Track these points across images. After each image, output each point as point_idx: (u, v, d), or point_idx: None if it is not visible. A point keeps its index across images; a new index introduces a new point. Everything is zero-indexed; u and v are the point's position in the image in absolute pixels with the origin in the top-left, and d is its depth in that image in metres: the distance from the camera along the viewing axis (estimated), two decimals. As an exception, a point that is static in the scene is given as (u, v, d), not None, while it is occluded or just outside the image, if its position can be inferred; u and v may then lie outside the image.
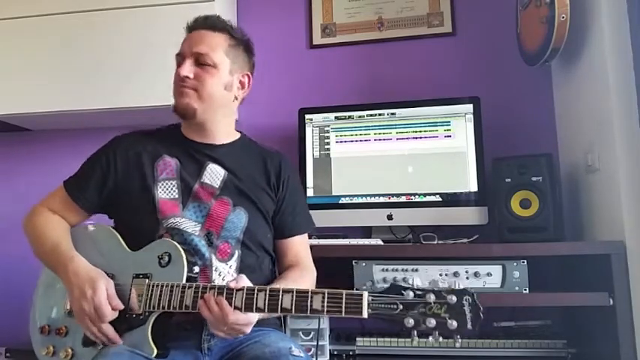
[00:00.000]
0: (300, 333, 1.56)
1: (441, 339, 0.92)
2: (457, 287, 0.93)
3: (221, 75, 1.27)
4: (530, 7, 1.74)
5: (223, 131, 1.33)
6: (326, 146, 1.89)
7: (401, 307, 0.94)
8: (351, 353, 1.64)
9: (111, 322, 1.09)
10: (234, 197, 1.25)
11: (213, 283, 1.14)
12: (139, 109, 1.90)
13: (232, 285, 1.05)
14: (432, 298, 0.93)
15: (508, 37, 1.97)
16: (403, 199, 1.81)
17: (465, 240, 1.69)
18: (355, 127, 1.88)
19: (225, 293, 1.04)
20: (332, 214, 1.82)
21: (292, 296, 1.01)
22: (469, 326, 0.90)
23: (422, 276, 1.55)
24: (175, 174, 1.25)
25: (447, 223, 1.78)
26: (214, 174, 1.27)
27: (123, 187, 1.25)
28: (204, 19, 1.31)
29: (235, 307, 1.03)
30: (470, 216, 1.76)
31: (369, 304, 0.95)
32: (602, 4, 1.56)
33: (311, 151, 1.89)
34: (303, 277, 1.25)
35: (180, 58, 1.28)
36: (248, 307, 1.03)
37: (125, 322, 1.10)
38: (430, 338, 0.92)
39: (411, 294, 0.94)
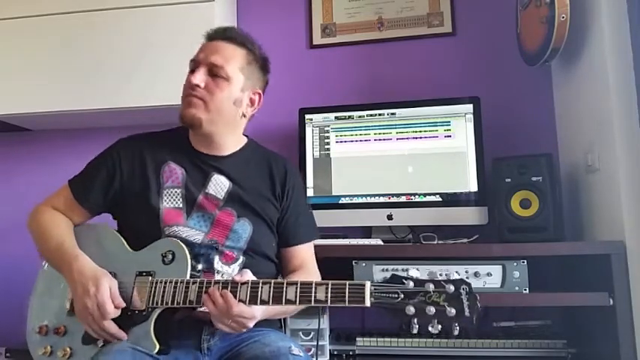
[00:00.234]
0: (300, 333, 1.56)
1: (440, 327, 0.96)
2: (454, 277, 0.98)
3: (232, 90, 1.25)
4: (530, 7, 1.74)
5: (230, 143, 1.32)
6: (326, 146, 1.89)
7: (402, 296, 0.98)
8: (351, 353, 1.64)
9: (114, 320, 1.09)
10: (238, 208, 1.25)
11: (217, 278, 1.14)
12: (139, 109, 1.90)
13: (237, 278, 1.06)
14: (431, 287, 0.98)
15: (508, 37, 1.97)
16: (403, 199, 1.81)
17: (465, 240, 1.69)
18: (355, 127, 1.88)
19: (229, 287, 1.05)
20: (332, 214, 1.82)
21: (296, 288, 1.03)
22: (467, 313, 0.95)
23: (422, 276, 1.55)
24: (181, 182, 1.25)
25: (447, 223, 1.78)
26: (219, 185, 1.27)
27: (128, 190, 1.26)
28: (224, 31, 1.29)
29: (240, 300, 1.03)
30: (470, 216, 1.76)
31: (371, 293, 0.98)
32: (602, 4, 1.56)
33: (311, 151, 1.89)
34: (307, 278, 1.25)
35: (194, 65, 1.26)
36: (252, 300, 1.03)
37: (128, 318, 1.11)
38: (430, 327, 0.96)
39: (411, 283, 0.98)
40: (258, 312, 1.07)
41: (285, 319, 1.49)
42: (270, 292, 1.03)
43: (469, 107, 1.80)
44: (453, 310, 0.95)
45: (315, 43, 2.15)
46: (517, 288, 1.50)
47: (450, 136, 1.81)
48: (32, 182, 2.21)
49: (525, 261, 1.52)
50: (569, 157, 1.84)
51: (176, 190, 1.25)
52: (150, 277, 1.12)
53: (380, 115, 1.87)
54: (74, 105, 1.94)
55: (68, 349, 1.15)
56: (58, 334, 1.18)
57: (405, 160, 1.83)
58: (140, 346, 1.08)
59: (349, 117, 1.89)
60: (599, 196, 1.61)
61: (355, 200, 1.84)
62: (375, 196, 1.83)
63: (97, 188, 1.27)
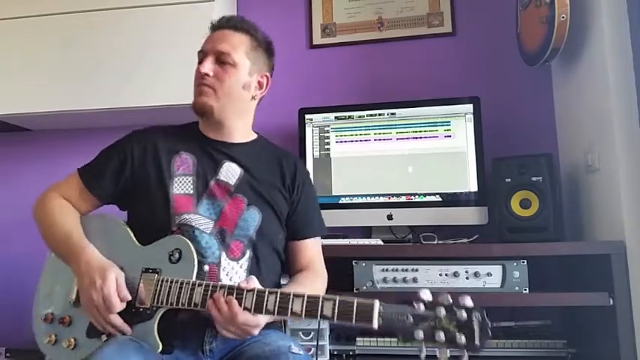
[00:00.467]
0: (300, 333, 1.56)
1: (448, 353, 0.92)
2: (467, 303, 0.93)
3: (240, 75, 1.28)
4: (530, 7, 1.74)
5: (241, 130, 1.34)
6: (326, 146, 1.89)
7: (411, 319, 0.94)
8: (351, 353, 1.64)
9: (119, 314, 1.09)
10: (248, 196, 1.26)
11: (222, 283, 1.13)
12: (139, 109, 1.90)
13: (243, 285, 1.05)
14: (442, 312, 0.93)
15: (508, 37, 1.97)
16: (403, 199, 1.81)
17: (465, 240, 1.69)
18: (355, 127, 1.88)
19: (235, 293, 1.04)
20: (332, 214, 1.81)
21: (303, 301, 1.00)
22: (477, 342, 0.90)
23: (422, 276, 1.55)
24: (192, 170, 1.26)
25: (447, 223, 1.78)
26: (230, 172, 1.28)
27: (139, 178, 1.25)
28: (227, 20, 1.33)
29: (245, 308, 1.03)
30: (470, 216, 1.76)
31: (379, 314, 0.95)
32: (602, 4, 1.56)
33: (311, 151, 1.89)
34: (314, 282, 1.25)
35: (202, 56, 1.29)
36: (258, 309, 1.02)
37: (132, 315, 1.10)
38: (438, 353, 0.92)
39: (422, 307, 0.94)
40: (263, 320, 1.06)
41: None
42: (275, 302, 1.02)
43: (469, 107, 1.80)
44: (463, 338, 0.91)
45: (315, 43, 2.15)
46: (517, 288, 1.51)
47: (450, 136, 1.81)
48: (32, 182, 2.21)
49: (525, 261, 1.52)
50: (569, 157, 1.84)
51: (187, 177, 1.25)
52: (156, 275, 1.12)
53: (380, 115, 1.87)
54: (74, 105, 1.94)
55: (72, 340, 1.15)
56: (63, 324, 1.17)
57: (405, 160, 1.83)
58: (144, 343, 1.08)
59: (349, 117, 1.89)
60: (599, 196, 1.61)
61: (355, 200, 1.84)
62: (375, 196, 1.83)
63: (108, 176, 1.26)
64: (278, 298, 1.02)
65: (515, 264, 1.52)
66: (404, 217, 1.80)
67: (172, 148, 1.29)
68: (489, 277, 1.53)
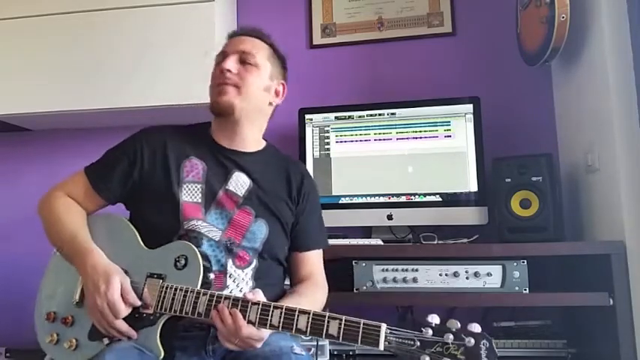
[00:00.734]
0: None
1: None
2: (475, 330, 0.93)
3: (262, 76, 1.28)
4: (530, 7, 1.74)
5: (252, 138, 1.32)
6: (326, 146, 1.89)
7: (418, 343, 0.93)
8: (351, 353, 1.64)
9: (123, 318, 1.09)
10: (256, 208, 1.24)
11: (228, 293, 1.11)
12: (139, 109, 1.90)
13: (249, 297, 1.04)
14: (450, 338, 0.92)
15: (508, 37, 1.97)
16: (403, 199, 1.81)
17: (465, 240, 1.69)
18: (355, 127, 1.88)
19: (240, 305, 1.03)
20: (332, 214, 1.81)
21: (308, 318, 1.00)
22: None
23: (422, 276, 1.55)
24: (201, 178, 1.24)
25: (447, 223, 1.78)
26: (240, 183, 1.26)
27: (147, 181, 1.23)
28: (249, 29, 1.33)
29: (249, 321, 1.02)
30: (470, 216, 1.76)
31: (385, 337, 0.94)
32: (602, 4, 1.56)
33: (311, 151, 1.89)
34: (314, 293, 1.25)
35: (222, 57, 1.27)
36: (262, 323, 1.01)
37: (135, 320, 1.09)
38: None
39: (430, 332, 0.94)
40: (267, 334, 1.06)
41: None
42: (280, 318, 1.01)
43: (469, 107, 1.80)
44: None
45: (315, 43, 2.15)
46: (517, 288, 1.51)
47: (450, 136, 1.81)
48: (32, 182, 2.21)
49: (525, 261, 1.52)
50: (569, 157, 1.84)
51: (196, 185, 1.23)
52: (160, 281, 1.11)
53: (380, 115, 1.87)
54: (74, 105, 1.94)
55: (74, 341, 1.14)
56: (66, 324, 1.17)
57: (405, 160, 1.83)
58: (145, 349, 1.07)
59: (349, 117, 1.89)
60: (599, 196, 1.61)
61: (355, 200, 1.84)
62: (375, 196, 1.83)
63: (116, 177, 1.24)
64: (283, 314, 1.01)
65: (515, 264, 1.52)
66: (404, 217, 1.80)
67: (182, 151, 1.26)
68: (489, 277, 1.53)
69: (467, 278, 1.53)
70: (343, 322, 0.97)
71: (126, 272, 1.13)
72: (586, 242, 1.65)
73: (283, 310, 1.01)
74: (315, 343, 1.53)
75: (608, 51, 1.54)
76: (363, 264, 1.57)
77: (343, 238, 1.71)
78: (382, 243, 1.66)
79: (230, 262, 1.18)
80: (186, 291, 1.07)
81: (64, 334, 1.16)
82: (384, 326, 0.95)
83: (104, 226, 1.23)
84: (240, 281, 1.19)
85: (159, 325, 1.09)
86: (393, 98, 1.94)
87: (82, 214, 1.25)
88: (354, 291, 1.56)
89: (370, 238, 1.82)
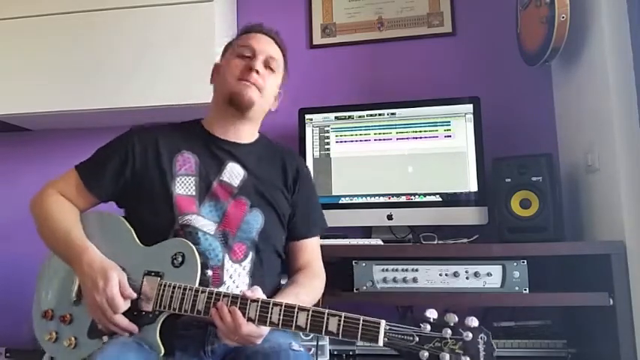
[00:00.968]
0: (301, 333, 1.56)
1: None
2: (473, 324, 0.94)
3: (277, 83, 1.34)
4: (530, 7, 1.74)
5: (248, 132, 1.34)
6: (326, 146, 1.89)
7: (417, 339, 0.94)
8: (351, 353, 1.64)
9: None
10: (251, 198, 1.25)
11: (227, 291, 1.12)
12: (139, 109, 1.90)
13: (248, 295, 1.04)
14: (448, 333, 0.94)
15: (508, 37, 1.97)
16: (403, 199, 1.81)
17: (465, 240, 1.69)
18: (355, 127, 1.88)
19: (239, 303, 1.03)
20: (332, 214, 1.80)
21: (308, 315, 1.00)
22: None
23: (422, 276, 1.55)
24: (195, 171, 1.24)
25: (447, 223, 1.78)
26: (234, 173, 1.27)
27: (140, 178, 1.24)
28: (273, 32, 1.36)
29: (249, 319, 1.02)
30: (470, 216, 1.76)
31: (385, 333, 0.96)
32: (602, 4, 1.56)
33: (311, 151, 1.89)
34: (312, 282, 1.26)
35: (250, 53, 1.28)
36: (262, 321, 1.02)
37: (134, 318, 1.10)
38: None
39: (428, 327, 0.95)
40: (266, 331, 1.06)
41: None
42: (280, 315, 1.01)
43: (469, 107, 1.80)
44: (468, 359, 0.92)
45: (315, 43, 2.15)
46: (517, 288, 1.50)
47: (450, 136, 1.81)
48: (32, 182, 2.18)
49: (525, 261, 1.52)
50: (569, 157, 1.84)
51: (189, 177, 1.23)
52: (158, 278, 1.11)
53: (380, 115, 1.87)
54: (74, 105, 1.94)
55: (73, 339, 1.14)
56: (64, 322, 1.17)
57: (405, 160, 1.83)
58: (146, 345, 1.08)
59: (349, 117, 1.89)
60: (599, 196, 1.61)
61: (355, 200, 1.84)
62: (375, 196, 1.83)
63: (108, 174, 1.24)
64: (283, 311, 1.01)
65: (515, 264, 1.52)
66: (404, 217, 1.80)
67: (174, 146, 1.27)
68: (489, 277, 1.53)
69: (467, 278, 1.53)
70: (343, 318, 0.98)
71: (123, 270, 1.13)
72: (586, 242, 1.65)
73: (283, 307, 1.02)
74: (316, 343, 1.53)
75: (608, 51, 1.54)
76: (363, 264, 1.57)
77: (343, 238, 1.71)
78: (382, 243, 1.66)
79: (227, 257, 1.18)
80: (185, 289, 1.07)
81: (63, 332, 1.16)
82: (383, 322, 0.96)
83: (99, 224, 1.23)
84: (237, 277, 1.19)
85: (158, 322, 1.09)
86: (393, 98, 1.94)
87: (74, 211, 1.25)
88: (354, 291, 1.56)
89: (370, 238, 1.81)
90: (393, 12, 2.12)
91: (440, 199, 1.79)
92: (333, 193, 1.85)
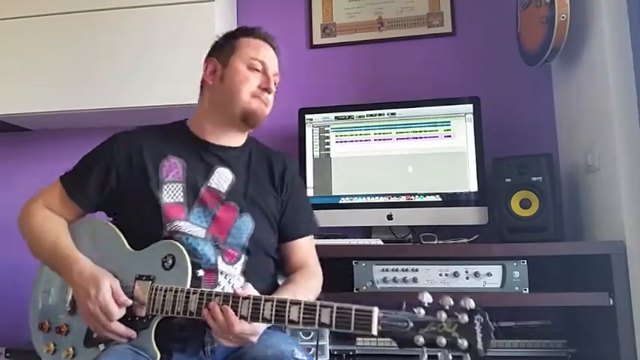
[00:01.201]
0: (300, 333, 1.56)
1: (450, 357, 0.90)
2: (468, 306, 0.91)
3: None
4: (530, 7, 1.74)
5: (240, 137, 1.33)
6: (326, 146, 1.89)
7: (411, 324, 0.91)
8: (351, 353, 1.64)
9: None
10: (241, 203, 1.23)
11: (218, 290, 1.11)
12: (139, 109, 1.90)
13: (239, 292, 1.03)
14: (443, 316, 0.90)
15: (508, 37, 1.97)
16: (403, 199, 1.81)
17: (465, 240, 1.69)
18: (355, 127, 1.88)
19: (230, 301, 1.02)
20: (332, 214, 1.82)
21: (300, 309, 0.99)
22: (479, 346, 0.88)
23: (422, 276, 1.55)
24: (182, 177, 1.22)
25: (447, 223, 1.78)
26: (222, 178, 1.25)
27: (126, 187, 1.22)
28: (272, 38, 1.34)
29: (241, 317, 1.01)
30: (470, 216, 1.76)
31: (378, 321, 0.93)
32: (602, 4, 1.56)
33: (311, 151, 1.89)
34: (308, 281, 1.25)
35: (263, 67, 1.28)
36: (254, 317, 1.01)
37: (128, 324, 1.09)
38: (440, 355, 0.90)
39: (422, 312, 0.92)
40: (261, 327, 1.06)
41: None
42: (272, 310, 1.00)
43: (469, 107, 1.80)
44: (465, 342, 0.88)
45: (315, 43, 2.15)
46: (517, 288, 1.51)
47: (450, 136, 1.81)
48: (32, 182, 2.19)
49: (525, 261, 1.52)
50: (569, 157, 1.84)
51: (177, 184, 1.21)
52: (150, 282, 1.10)
53: (380, 115, 1.87)
54: (74, 105, 1.94)
55: (71, 350, 1.14)
56: (61, 333, 1.16)
57: (405, 160, 1.83)
58: (141, 351, 1.07)
59: (349, 117, 1.89)
60: (599, 196, 1.61)
61: (355, 200, 1.84)
62: (375, 196, 1.83)
63: (92, 185, 1.22)
64: (274, 306, 1.00)
65: (515, 264, 1.52)
66: (404, 217, 1.80)
67: (159, 152, 1.24)
68: (489, 277, 1.53)
69: (467, 278, 1.54)
70: (335, 309, 0.96)
71: (114, 276, 1.12)
72: (586, 242, 1.65)
73: (274, 302, 1.01)
74: (316, 343, 1.53)
75: (608, 51, 1.53)
76: (363, 264, 1.57)
77: (343, 238, 1.71)
78: (382, 243, 1.66)
79: (220, 259, 1.18)
80: (177, 291, 1.07)
81: (61, 344, 1.16)
82: (376, 310, 0.94)
83: (87, 232, 1.22)
84: (232, 277, 1.18)
85: (152, 326, 1.08)
86: (393, 98, 1.94)
87: (61, 222, 1.24)
88: (354, 291, 1.56)
89: (370, 238, 1.81)
90: (393, 12, 2.12)
91: (440, 199, 1.78)
92: (333, 193, 1.85)
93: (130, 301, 1.08)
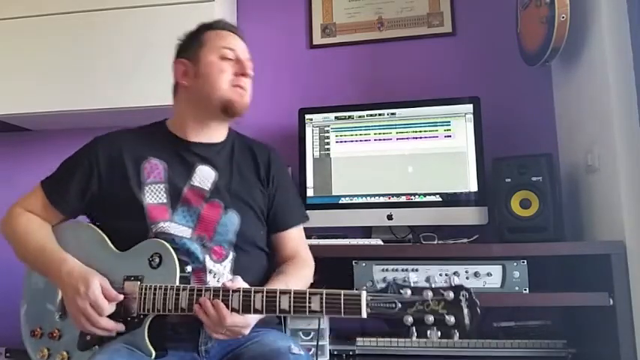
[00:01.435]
0: (300, 333, 1.56)
1: (439, 334, 0.93)
2: (453, 283, 0.94)
3: None
4: (530, 7, 1.74)
5: (221, 132, 1.32)
6: (326, 146, 1.89)
7: (399, 305, 0.94)
8: (351, 353, 1.64)
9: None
10: (225, 199, 1.23)
11: (208, 285, 1.12)
12: (139, 109, 1.90)
13: (228, 285, 1.03)
14: (429, 295, 0.94)
15: (508, 37, 1.97)
16: (403, 199, 1.81)
17: (465, 240, 1.69)
18: (355, 127, 1.88)
19: (221, 295, 1.03)
20: (332, 214, 1.82)
21: (290, 297, 1.00)
22: (467, 321, 0.91)
23: (421, 275, 1.55)
24: (163, 177, 1.22)
25: (447, 223, 1.78)
26: (204, 176, 1.24)
27: (107, 192, 1.21)
28: (237, 28, 1.33)
29: (232, 309, 1.02)
30: (470, 216, 1.75)
31: (367, 304, 0.95)
32: (602, 4, 1.56)
33: (311, 151, 1.89)
34: (300, 270, 1.25)
35: (233, 56, 1.26)
36: (245, 309, 1.02)
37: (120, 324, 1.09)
38: (429, 333, 0.93)
39: (409, 292, 0.94)
40: (253, 319, 1.06)
41: (285, 319, 1.49)
42: (263, 301, 1.01)
43: (469, 107, 1.80)
44: (453, 319, 0.91)
45: (315, 43, 2.15)
46: (517, 288, 1.51)
47: (450, 136, 1.81)
48: (32, 182, 2.18)
49: (525, 261, 1.52)
50: (569, 157, 1.84)
51: (159, 185, 1.21)
52: (138, 282, 1.10)
53: (380, 115, 1.87)
54: (74, 105, 1.94)
55: (65, 354, 1.14)
56: (54, 339, 1.16)
57: (405, 160, 1.83)
58: (136, 349, 1.07)
59: (349, 117, 1.89)
60: (599, 196, 1.61)
61: (355, 200, 1.84)
62: (375, 196, 1.83)
63: (73, 190, 1.22)
64: (265, 297, 1.01)
65: (515, 264, 1.52)
66: (404, 217, 1.80)
67: (139, 154, 1.24)
68: (489, 277, 1.53)
69: (467, 278, 1.54)
70: (324, 295, 0.98)
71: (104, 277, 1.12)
72: (586, 242, 1.65)
73: (264, 293, 1.01)
74: (316, 343, 1.53)
75: (608, 51, 1.54)
76: (363, 264, 1.57)
77: (343, 238, 1.71)
78: (382, 243, 1.66)
79: (207, 258, 1.17)
80: (166, 289, 1.07)
81: (55, 349, 1.16)
82: (364, 293, 0.96)
83: (71, 235, 1.22)
84: (221, 276, 1.18)
85: (145, 325, 1.08)
86: (393, 98, 1.93)
87: (45, 226, 1.24)
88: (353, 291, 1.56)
89: (370, 238, 1.81)
90: (393, 12, 2.12)
91: (440, 199, 1.78)
92: (333, 193, 1.85)
93: (121, 297, 1.09)
